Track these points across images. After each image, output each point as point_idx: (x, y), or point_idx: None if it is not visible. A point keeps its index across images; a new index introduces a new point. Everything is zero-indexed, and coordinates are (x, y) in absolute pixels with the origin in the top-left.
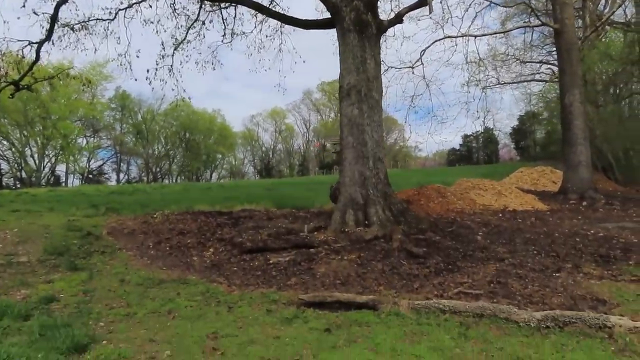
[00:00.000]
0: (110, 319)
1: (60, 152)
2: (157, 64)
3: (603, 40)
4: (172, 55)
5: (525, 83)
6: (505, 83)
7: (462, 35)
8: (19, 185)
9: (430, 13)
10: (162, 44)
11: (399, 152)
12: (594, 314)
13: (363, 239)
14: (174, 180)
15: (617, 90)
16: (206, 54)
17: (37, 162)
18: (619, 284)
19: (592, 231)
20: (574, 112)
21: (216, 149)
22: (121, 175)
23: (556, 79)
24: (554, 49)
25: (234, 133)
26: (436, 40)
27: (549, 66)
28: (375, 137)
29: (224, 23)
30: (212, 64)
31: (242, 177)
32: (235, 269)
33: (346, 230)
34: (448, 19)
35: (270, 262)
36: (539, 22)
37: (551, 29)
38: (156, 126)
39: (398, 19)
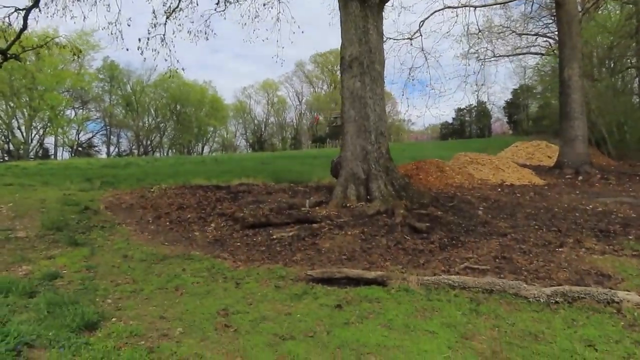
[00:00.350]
0: (117, 296)
1: (48, 124)
2: (149, 33)
3: (600, 12)
4: (165, 24)
5: (521, 56)
6: (501, 55)
7: (463, 6)
8: (6, 158)
9: None
10: (154, 12)
11: (391, 126)
12: (602, 290)
13: (366, 214)
14: (165, 154)
15: (612, 64)
16: (198, 23)
17: (24, 134)
18: (621, 258)
19: (590, 206)
20: (572, 86)
21: (208, 122)
22: (111, 148)
23: (553, 52)
24: (551, 21)
25: (225, 105)
26: (436, 11)
27: (545, 39)
28: (378, 110)
29: None
30: (206, 33)
31: (234, 150)
32: (238, 244)
33: (348, 205)
34: None
35: (274, 237)
36: None
37: (549, 1)
38: (146, 98)
39: None
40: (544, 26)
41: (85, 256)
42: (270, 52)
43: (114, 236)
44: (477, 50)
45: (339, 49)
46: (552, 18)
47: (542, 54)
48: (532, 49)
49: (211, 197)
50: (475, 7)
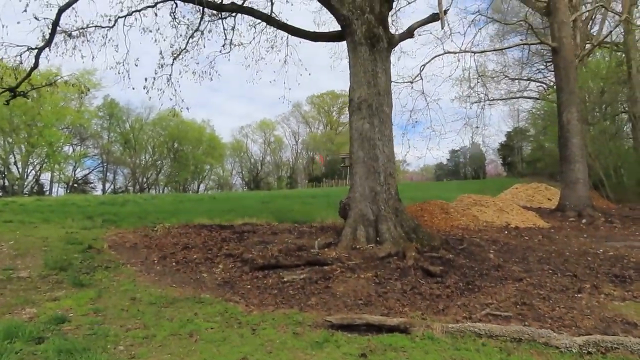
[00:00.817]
0: (129, 342)
1: (45, 160)
2: (155, 73)
3: (590, 59)
4: (172, 64)
5: (514, 100)
6: (499, 99)
7: (462, 52)
8: (0, 194)
9: (442, 28)
10: (161, 53)
11: None
12: (635, 339)
13: (377, 256)
14: (160, 191)
15: (605, 109)
16: (204, 64)
17: (20, 170)
18: None
19: (601, 250)
20: (571, 130)
21: (205, 160)
22: (107, 185)
23: (546, 97)
24: (543, 67)
25: (222, 144)
26: (436, 56)
27: (538, 84)
28: (387, 151)
29: (224, 33)
30: (210, 74)
31: (230, 188)
32: (249, 286)
33: (357, 247)
34: (450, 35)
35: (285, 280)
36: (537, 40)
37: (540, 47)
38: (144, 135)
39: (409, 33)
40: (537, 71)
41: (92, 298)
42: (269, 93)
43: (120, 277)
44: (477, 94)
45: (347, 91)
46: (544, 64)
47: (537, 98)
48: (526, 93)
49: (216, 237)
50: (474, 52)
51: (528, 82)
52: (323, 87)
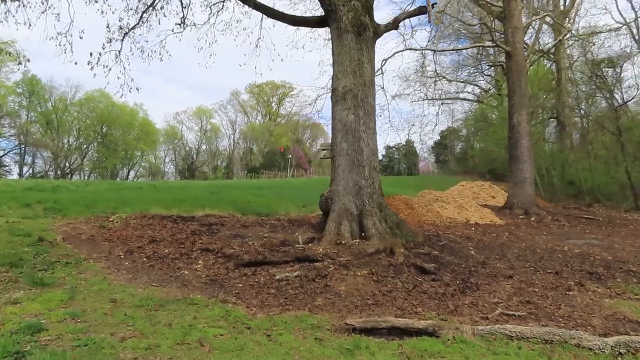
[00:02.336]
0: (130, 355)
1: None
2: (103, 48)
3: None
4: (122, 40)
5: (453, 100)
6: (451, 98)
7: (423, 49)
8: None
9: (429, 21)
10: (108, 26)
11: (325, 160)
12: None
13: (365, 252)
14: (86, 177)
15: (538, 113)
16: (153, 42)
17: None
18: (632, 302)
19: (566, 248)
20: (521, 132)
21: (136, 146)
22: (25, 169)
23: (482, 100)
24: (479, 70)
25: (156, 130)
26: (397, 52)
27: (474, 86)
28: (371, 145)
29: (182, 11)
30: (160, 54)
31: (162, 176)
32: (240, 285)
33: (342, 242)
34: (412, 32)
35: (277, 277)
36: (492, 44)
37: (477, 51)
38: (69, 117)
39: (395, 24)
40: (475, 74)
41: (63, 300)
42: (207, 79)
43: (85, 274)
44: (437, 91)
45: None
46: (480, 69)
47: (477, 101)
48: (461, 95)
49: (184, 230)
50: (434, 50)
51: (464, 84)
52: (263, 77)
